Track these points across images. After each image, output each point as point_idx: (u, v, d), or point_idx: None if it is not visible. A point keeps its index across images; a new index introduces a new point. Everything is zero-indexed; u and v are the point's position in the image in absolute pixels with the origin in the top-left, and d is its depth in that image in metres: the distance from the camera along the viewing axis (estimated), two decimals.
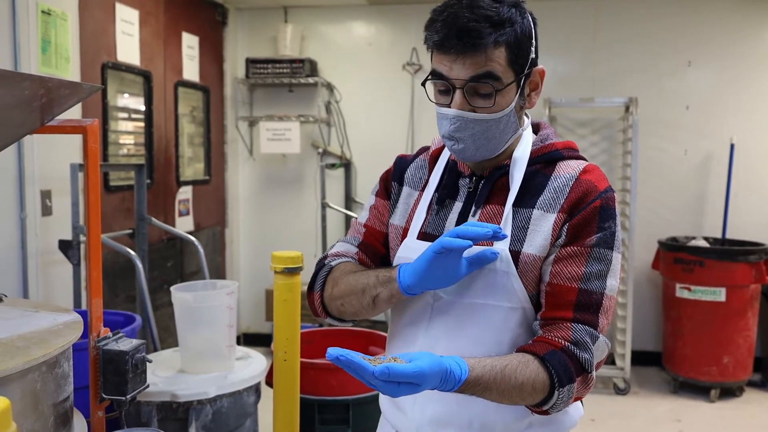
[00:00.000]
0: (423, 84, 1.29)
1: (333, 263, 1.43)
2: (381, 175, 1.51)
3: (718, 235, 4.79)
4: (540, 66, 1.29)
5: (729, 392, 4.44)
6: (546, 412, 1.21)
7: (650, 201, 4.91)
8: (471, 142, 1.25)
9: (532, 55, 1.25)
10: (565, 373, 1.17)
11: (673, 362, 4.56)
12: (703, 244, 4.58)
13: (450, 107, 1.24)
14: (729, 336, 4.35)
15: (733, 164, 4.71)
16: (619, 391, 4.47)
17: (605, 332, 1.24)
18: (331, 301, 1.39)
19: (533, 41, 1.25)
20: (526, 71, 1.25)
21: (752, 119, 4.83)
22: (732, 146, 4.72)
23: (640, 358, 4.80)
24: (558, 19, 4.94)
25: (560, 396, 1.17)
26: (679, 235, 4.84)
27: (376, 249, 1.45)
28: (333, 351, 1.01)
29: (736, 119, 4.83)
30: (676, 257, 4.47)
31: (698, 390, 4.47)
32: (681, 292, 4.44)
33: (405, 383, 1.04)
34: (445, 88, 1.25)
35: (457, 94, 1.23)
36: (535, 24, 1.27)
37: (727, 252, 4.38)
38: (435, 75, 1.25)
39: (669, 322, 4.61)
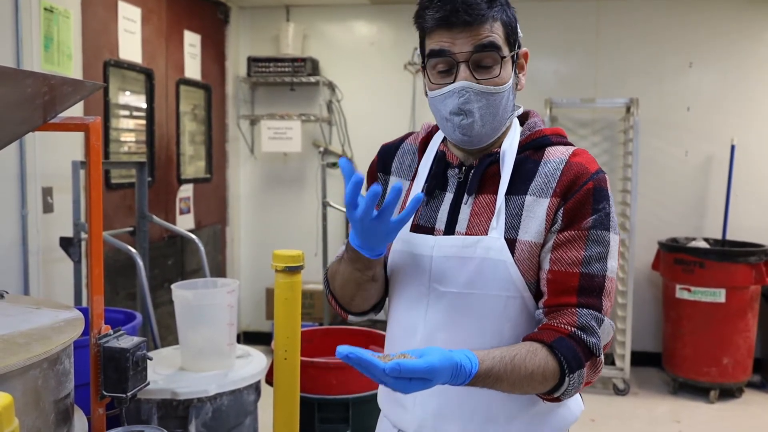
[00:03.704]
0: (423, 65, 1.29)
1: (328, 266, 1.47)
2: (367, 170, 1.50)
3: (719, 236, 4.79)
4: (524, 48, 1.33)
5: (728, 393, 4.44)
6: (558, 399, 1.22)
7: (651, 202, 4.91)
8: (479, 116, 1.26)
9: (520, 34, 1.31)
10: (575, 358, 1.17)
11: (672, 363, 4.57)
12: (704, 245, 4.59)
13: (455, 82, 1.25)
14: (729, 337, 4.35)
15: (733, 165, 4.72)
16: (619, 392, 4.47)
17: (609, 314, 1.24)
18: (342, 299, 1.41)
19: (518, 23, 1.31)
20: (517, 50, 1.30)
21: (753, 121, 4.83)
22: (733, 147, 4.72)
23: (639, 359, 4.80)
24: (559, 20, 4.94)
25: (571, 382, 1.18)
26: (680, 236, 4.84)
27: None
28: (342, 349, 1.01)
29: (737, 121, 4.83)
30: (677, 258, 4.47)
31: (698, 391, 4.47)
32: (681, 293, 4.44)
33: (416, 379, 1.04)
34: (447, 67, 1.26)
35: (462, 67, 1.24)
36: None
37: (727, 253, 4.38)
38: (435, 54, 1.25)
39: (669, 322, 4.61)
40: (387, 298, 1.46)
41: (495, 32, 1.24)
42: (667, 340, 4.65)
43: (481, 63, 1.24)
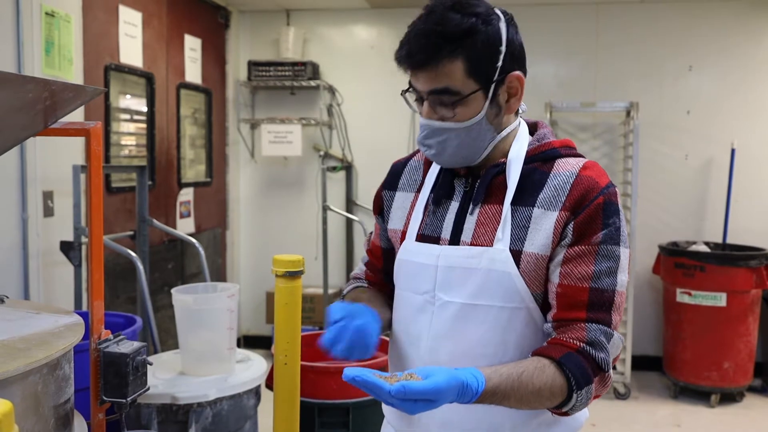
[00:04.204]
0: (402, 94, 1.34)
1: (345, 290, 1.55)
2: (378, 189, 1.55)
3: (719, 240, 4.79)
4: (516, 72, 1.27)
5: (729, 397, 4.44)
6: (566, 413, 1.22)
7: (651, 205, 4.91)
8: (441, 149, 1.28)
9: (499, 63, 1.24)
10: (582, 375, 1.18)
11: (673, 367, 4.56)
12: (704, 248, 4.58)
13: (422, 115, 1.29)
14: (729, 341, 4.35)
15: (733, 169, 4.71)
16: (620, 396, 4.46)
17: (618, 328, 1.25)
18: None
19: (501, 48, 1.24)
20: (496, 78, 1.24)
21: (753, 124, 4.83)
22: (733, 151, 4.72)
23: (640, 363, 4.80)
24: (559, 24, 4.94)
25: (579, 398, 1.18)
26: (680, 240, 4.84)
27: (375, 265, 1.54)
28: (349, 372, 1.03)
29: (737, 124, 4.83)
30: (677, 262, 4.47)
31: (698, 395, 4.46)
32: (681, 296, 4.44)
33: (422, 400, 1.04)
34: (417, 98, 1.30)
35: (425, 104, 1.28)
36: (511, 29, 1.26)
37: (728, 257, 4.37)
38: (410, 85, 1.30)
39: (669, 326, 4.61)
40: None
41: (451, 73, 1.22)
42: (667, 344, 4.65)
43: (442, 101, 1.25)
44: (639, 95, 4.78)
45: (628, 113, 4.67)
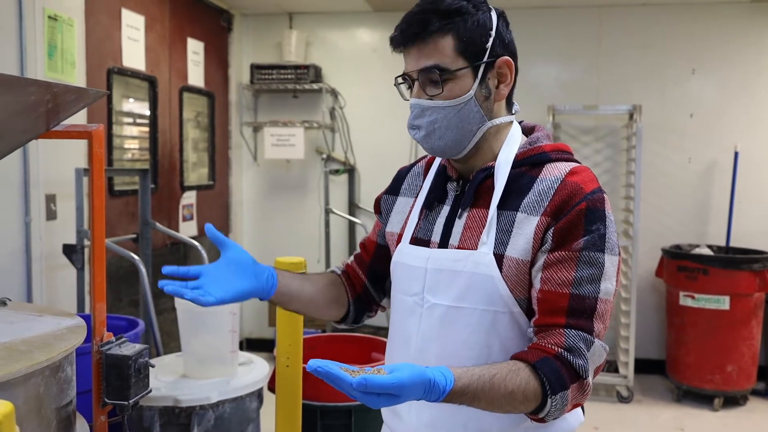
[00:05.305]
0: (395, 85, 1.36)
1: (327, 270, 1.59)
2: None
3: (722, 243, 4.78)
4: (506, 57, 1.29)
5: (733, 401, 4.42)
6: (543, 420, 1.20)
7: (654, 209, 4.90)
8: (431, 129, 1.30)
9: (489, 45, 1.27)
10: (558, 380, 1.16)
11: (676, 370, 4.55)
12: (707, 252, 4.58)
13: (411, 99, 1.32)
14: (733, 344, 4.34)
15: (737, 172, 4.70)
16: (623, 399, 4.45)
17: (602, 337, 1.22)
18: None
19: (490, 32, 1.27)
20: (485, 60, 1.27)
21: (756, 127, 4.83)
22: (736, 154, 4.71)
23: (643, 366, 4.79)
24: (562, 27, 4.94)
25: (554, 404, 1.16)
26: (683, 243, 4.83)
27: (363, 258, 1.56)
28: (313, 363, 1.03)
29: (740, 127, 4.83)
30: (680, 265, 4.46)
31: (702, 398, 4.45)
32: (684, 300, 4.43)
33: (384, 394, 1.04)
34: (409, 85, 1.33)
35: (415, 85, 1.30)
36: (501, 21, 1.30)
37: (731, 260, 4.37)
38: (402, 76, 1.33)
39: (672, 330, 4.60)
40: (367, 313, 1.57)
41: (441, 48, 1.25)
42: (670, 347, 4.64)
43: (431, 79, 1.28)
44: (641, 98, 4.78)
45: (630, 116, 4.67)
